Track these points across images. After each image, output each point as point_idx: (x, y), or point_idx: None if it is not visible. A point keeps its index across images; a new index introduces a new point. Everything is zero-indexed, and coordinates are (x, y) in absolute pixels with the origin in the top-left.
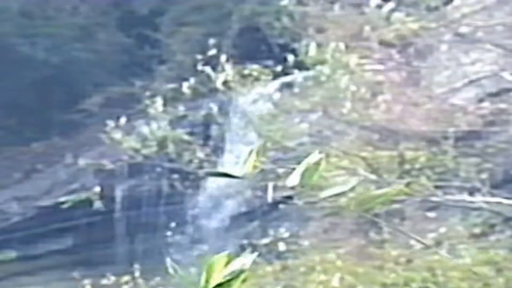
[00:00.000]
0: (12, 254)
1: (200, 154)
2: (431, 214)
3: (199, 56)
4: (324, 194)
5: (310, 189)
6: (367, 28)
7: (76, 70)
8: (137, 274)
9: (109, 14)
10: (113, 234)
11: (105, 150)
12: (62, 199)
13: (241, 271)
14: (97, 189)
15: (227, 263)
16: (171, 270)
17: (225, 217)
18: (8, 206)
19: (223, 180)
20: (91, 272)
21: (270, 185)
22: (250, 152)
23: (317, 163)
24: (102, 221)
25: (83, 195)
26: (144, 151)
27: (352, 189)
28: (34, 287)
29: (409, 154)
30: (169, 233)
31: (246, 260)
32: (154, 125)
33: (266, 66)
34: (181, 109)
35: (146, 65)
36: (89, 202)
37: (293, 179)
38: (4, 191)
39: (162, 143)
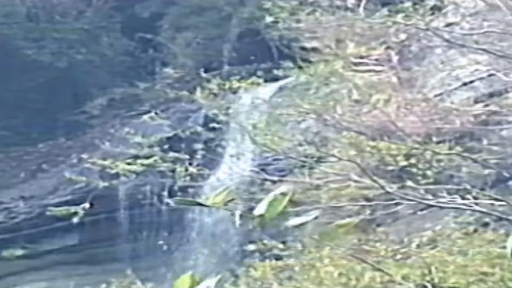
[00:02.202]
0: (18, 251)
1: (196, 159)
2: (425, 214)
3: (199, 60)
4: (288, 223)
5: (276, 218)
6: (361, 32)
7: (81, 73)
8: (138, 272)
9: (112, 18)
10: (117, 232)
11: (109, 150)
12: (53, 208)
13: None
14: (87, 205)
15: (193, 285)
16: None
17: (224, 216)
18: (15, 204)
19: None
20: (96, 269)
21: (237, 213)
22: (223, 190)
23: (284, 194)
24: (105, 220)
25: (72, 209)
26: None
27: (315, 218)
28: (39, 284)
29: (403, 156)
30: (170, 231)
31: (211, 282)
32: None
33: (263, 69)
34: (180, 110)
35: (149, 68)
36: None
37: (260, 209)
38: (11, 190)
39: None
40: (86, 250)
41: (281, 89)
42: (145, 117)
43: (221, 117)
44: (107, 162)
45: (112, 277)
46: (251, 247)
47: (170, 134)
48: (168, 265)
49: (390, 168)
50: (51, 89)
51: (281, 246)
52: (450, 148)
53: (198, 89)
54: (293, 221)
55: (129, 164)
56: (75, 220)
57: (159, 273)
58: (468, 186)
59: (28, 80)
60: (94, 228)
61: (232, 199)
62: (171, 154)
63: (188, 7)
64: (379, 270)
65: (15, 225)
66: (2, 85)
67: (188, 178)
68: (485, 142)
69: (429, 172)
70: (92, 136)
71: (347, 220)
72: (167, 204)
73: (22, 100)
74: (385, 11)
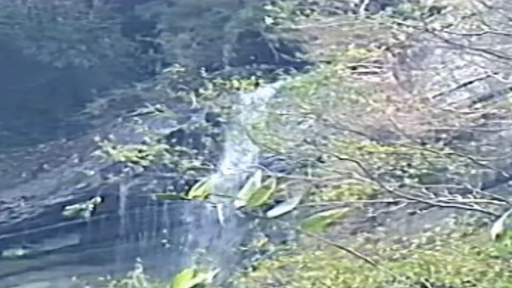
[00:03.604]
0: (19, 251)
1: (196, 162)
2: (425, 213)
3: (200, 60)
4: (271, 213)
5: (259, 208)
6: (359, 34)
7: (82, 73)
8: (140, 271)
9: (113, 19)
10: (118, 232)
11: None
12: (66, 207)
13: (202, 286)
14: (98, 199)
15: (192, 277)
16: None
17: (225, 215)
18: (16, 204)
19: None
20: (97, 269)
21: (220, 207)
22: (202, 183)
23: (267, 187)
24: (107, 220)
25: (84, 205)
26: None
27: (295, 208)
28: (41, 283)
29: (402, 156)
30: (171, 230)
31: (208, 275)
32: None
33: (264, 70)
34: (181, 111)
35: (149, 68)
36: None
37: (241, 201)
38: (12, 190)
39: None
40: (88, 249)
41: (281, 89)
42: (149, 108)
43: (222, 118)
44: (114, 151)
45: (113, 276)
46: (252, 245)
47: (172, 134)
48: (168, 264)
49: (389, 168)
50: (52, 89)
51: (281, 245)
52: (441, 150)
53: (199, 90)
54: (273, 211)
55: (133, 162)
56: (86, 215)
57: (159, 271)
58: (468, 186)
59: (30, 81)
60: (96, 228)
61: (210, 193)
62: (171, 155)
63: (188, 8)
64: (377, 268)
65: (16, 225)
66: (3, 86)
67: (188, 180)
68: (483, 142)
69: (428, 173)
70: (92, 137)
71: (331, 212)
72: (159, 201)
73: (24, 101)
74: (384, 12)
